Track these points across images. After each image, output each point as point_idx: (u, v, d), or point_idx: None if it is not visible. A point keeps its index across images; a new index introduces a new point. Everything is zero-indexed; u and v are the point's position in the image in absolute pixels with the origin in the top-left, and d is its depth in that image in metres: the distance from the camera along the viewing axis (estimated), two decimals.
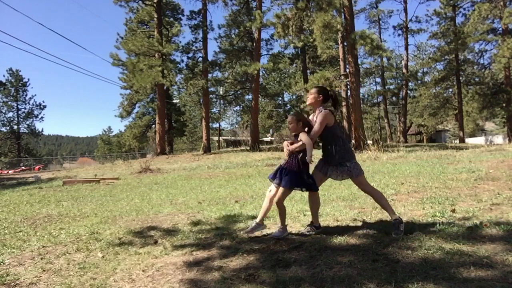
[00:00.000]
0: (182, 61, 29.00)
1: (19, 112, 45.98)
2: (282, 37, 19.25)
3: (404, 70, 34.33)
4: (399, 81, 41.77)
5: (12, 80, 45.46)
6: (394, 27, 35.81)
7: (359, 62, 27.07)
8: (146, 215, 4.98)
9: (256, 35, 24.85)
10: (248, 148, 25.17)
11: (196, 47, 27.47)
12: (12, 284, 2.71)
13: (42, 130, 49.00)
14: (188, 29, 27.56)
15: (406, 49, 34.22)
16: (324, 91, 3.50)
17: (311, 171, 3.44)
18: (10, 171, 32.92)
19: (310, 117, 3.55)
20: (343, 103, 27.96)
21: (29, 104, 46.43)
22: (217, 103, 40.90)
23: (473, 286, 2.13)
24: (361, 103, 24.34)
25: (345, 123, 28.26)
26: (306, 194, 3.62)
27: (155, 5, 25.04)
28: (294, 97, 40.92)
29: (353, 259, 2.68)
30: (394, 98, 44.00)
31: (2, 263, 3.19)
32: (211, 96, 30.49)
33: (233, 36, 27.39)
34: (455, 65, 32.57)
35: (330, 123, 3.36)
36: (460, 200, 4.41)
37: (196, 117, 49.41)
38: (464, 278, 2.22)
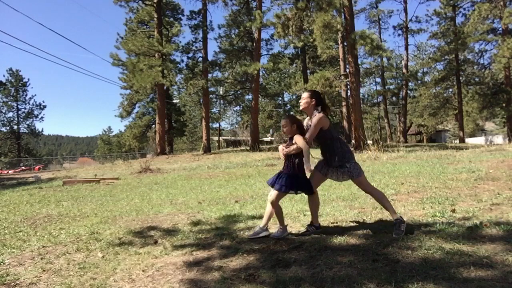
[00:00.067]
0: (182, 61, 29.07)
1: (19, 112, 46.05)
2: (282, 37, 19.24)
3: (404, 70, 34.34)
4: (399, 81, 41.79)
5: (12, 80, 45.49)
6: (394, 27, 35.86)
7: (359, 62, 27.07)
8: (146, 215, 4.98)
9: (256, 35, 24.84)
10: (248, 148, 25.18)
11: (196, 47, 27.49)
12: (12, 284, 2.71)
13: (42, 130, 49.09)
14: (188, 29, 27.61)
15: (406, 49, 34.24)
16: (316, 95, 3.48)
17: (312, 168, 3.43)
18: (10, 171, 32.93)
19: (305, 122, 3.53)
20: (343, 103, 28.03)
21: (29, 104, 46.54)
22: (217, 103, 40.90)
23: (473, 286, 2.12)
24: (361, 103, 24.33)
25: (345, 123, 28.30)
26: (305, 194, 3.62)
27: (155, 5, 25.04)
28: (294, 97, 40.94)
29: (353, 259, 2.68)
30: (394, 98, 44.02)
31: (2, 263, 3.19)
32: (211, 96, 30.49)
33: (233, 36, 27.39)
34: (455, 65, 32.58)
35: (325, 126, 3.35)
36: (460, 200, 4.41)
37: (196, 117, 49.42)
38: (464, 278, 2.22)
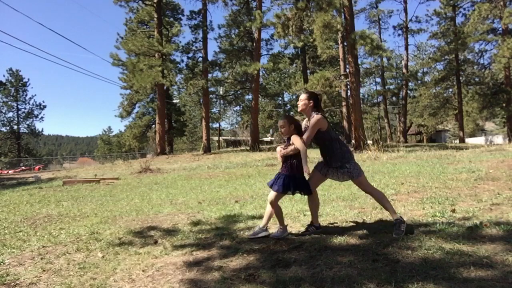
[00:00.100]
0: (182, 61, 29.07)
1: (19, 112, 46.05)
2: (282, 37, 19.24)
3: (404, 70, 34.34)
4: (399, 81, 41.79)
5: (12, 80, 45.49)
6: (394, 27, 35.85)
7: (359, 62, 27.07)
8: (146, 215, 4.98)
9: (256, 35, 24.84)
10: (248, 148, 25.18)
11: (196, 47, 27.49)
12: (12, 284, 2.71)
13: (42, 130, 49.09)
14: (188, 29, 27.61)
15: (406, 49, 34.23)
16: (314, 97, 3.47)
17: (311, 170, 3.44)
18: (10, 171, 32.93)
19: (303, 123, 3.53)
20: (343, 103, 28.02)
21: (29, 104, 46.54)
22: (217, 103, 40.90)
23: (473, 286, 2.12)
24: (361, 103, 24.32)
25: (345, 123, 28.30)
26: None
27: (155, 5, 25.04)
28: (294, 97, 40.93)
29: (353, 259, 2.68)
30: (394, 98, 44.01)
31: (2, 263, 3.19)
32: (211, 96, 30.49)
33: (233, 36, 27.39)
34: (455, 65, 32.58)
35: (324, 127, 3.34)
36: (460, 200, 4.41)
37: (196, 117, 49.42)
38: (464, 278, 2.22)
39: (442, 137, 42.67)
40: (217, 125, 46.58)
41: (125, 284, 2.59)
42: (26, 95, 46.58)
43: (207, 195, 6.55)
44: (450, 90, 36.51)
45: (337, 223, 3.83)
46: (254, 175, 9.52)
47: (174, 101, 39.41)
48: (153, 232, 4.01)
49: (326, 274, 2.45)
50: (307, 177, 3.38)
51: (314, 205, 3.52)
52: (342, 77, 21.57)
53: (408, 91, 38.57)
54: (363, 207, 4.44)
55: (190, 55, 28.08)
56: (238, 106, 39.79)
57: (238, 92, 31.00)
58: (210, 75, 27.27)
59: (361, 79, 27.63)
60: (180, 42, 33.05)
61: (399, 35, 35.56)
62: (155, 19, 25.23)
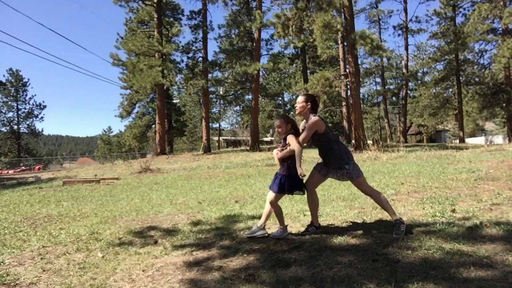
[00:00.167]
0: (182, 61, 29.08)
1: (19, 112, 46.05)
2: (282, 37, 19.24)
3: (404, 70, 34.34)
4: (399, 81, 41.79)
5: (12, 80, 45.49)
6: (394, 27, 35.83)
7: (359, 62, 27.06)
8: (146, 215, 4.98)
9: (256, 35, 24.85)
10: (248, 148, 25.18)
11: (196, 47, 27.49)
12: (12, 284, 2.71)
13: (42, 130, 49.09)
14: (188, 29, 27.62)
15: (406, 49, 34.23)
16: (312, 99, 3.47)
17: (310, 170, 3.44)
18: (10, 171, 32.92)
19: (301, 125, 3.54)
20: (343, 103, 28.02)
21: (29, 104, 46.54)
22: (217, 103, 40.91)
23: (473, 286, 2.12)
24: (361, 103, 24.32)
25: (345, 123, 28.30)
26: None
27: (155, 5, 25.04)
28: (294, 97, 40.92)
29: (353, 259, 2.68)
30: (394, 98, 44.01)
31: (2, 263, 3.19)
32: (211, 96, 30.50)
33: (233, 36, 27.40)
34: (455, 65, 32.58)
35: (321, 129, 3.34)
36: (460, 200, 4.41)
37: (196, 117, 49.42)
38: (464, 278, 2.22)
39: (442, 137, 42.67)
40: (217, 125, 46.62)
41: (125, 284, 2.59)
42: (26, 95, 46.65)
43: (207, 195, 6.55)
44: (450, 90, 36.51)
45: (337, 223, 3.83)
46: (254, 175, 9.52)
47: (174, 101, 39.41)
48: (153, 232, 4.01)
49: (326, 274, 2.45)
50: (304, 179, 3.39)
51: (314, 205, 3.52)
52: (342, 77, 21.56)
53: (408, 91, 38.58)
54: (363, 207, 4.44)
55: (190, 55, 28.12)
56: (238, 106, 39.82)
57: (238, 92, 31.00)
58: (210, 75, 27.29)
59: (361, 79, 27.62)
60: (180, 42, 33.12)
61: (399, 35, 35.59)
62: (155, 19, 25.23)
